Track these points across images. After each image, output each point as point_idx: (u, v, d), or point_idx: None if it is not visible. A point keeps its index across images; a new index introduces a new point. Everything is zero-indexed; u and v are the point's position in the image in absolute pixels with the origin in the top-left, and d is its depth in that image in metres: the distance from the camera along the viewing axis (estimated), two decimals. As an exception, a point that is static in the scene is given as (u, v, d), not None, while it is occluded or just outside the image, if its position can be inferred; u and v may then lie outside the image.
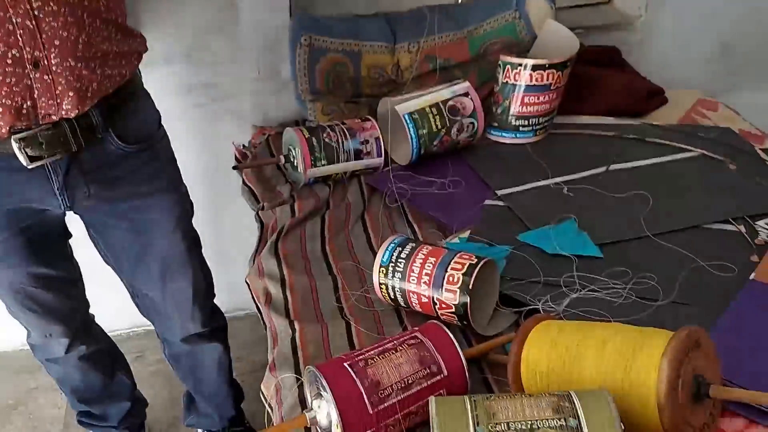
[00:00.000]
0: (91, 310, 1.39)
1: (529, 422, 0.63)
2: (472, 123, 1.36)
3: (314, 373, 0.80)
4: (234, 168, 1.37)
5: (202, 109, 1.56)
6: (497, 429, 0.63)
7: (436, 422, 0.65)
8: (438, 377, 0.81)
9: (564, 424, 0.62)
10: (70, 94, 0.94)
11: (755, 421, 0.75)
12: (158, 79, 1.41)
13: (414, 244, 1.00)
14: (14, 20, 0.85)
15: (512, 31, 1.53)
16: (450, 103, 1.35)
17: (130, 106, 1.07)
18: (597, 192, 1.23)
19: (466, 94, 1.37)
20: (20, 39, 0.86)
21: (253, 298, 1.16)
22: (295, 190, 1.35)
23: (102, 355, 1.42)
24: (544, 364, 0.77)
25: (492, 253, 1.04)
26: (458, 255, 0.96)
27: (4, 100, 0.90)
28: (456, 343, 0.84)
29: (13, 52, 0.86)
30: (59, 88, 0.93)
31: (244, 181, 1.41)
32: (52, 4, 0.87)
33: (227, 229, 1.78)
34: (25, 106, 0.92)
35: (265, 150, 1.50)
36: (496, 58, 1.42)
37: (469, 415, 0.65)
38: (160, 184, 1.16)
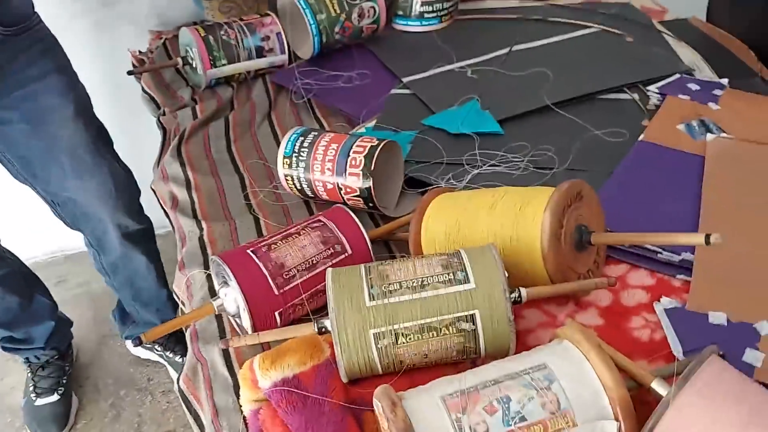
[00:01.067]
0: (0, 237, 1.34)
1: (420, 279, 0.65)
2: (373, 7, 1.33)
3: (217, 262, 0.80)
4: (129, 73, 1.30)
5: (93, 14, 1.46)
6: (390, 288, 0.65)
7: (331, 290, 0.67)
8: (342, 256, 0.82)
9: (452, 277, 0.65)
10: None
11: (636, 265, 0.80)
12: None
13: (316, 133, 0.99)
14: None
15: None
16: None
17: None
18: (500, 73, 1.24)
19: None
20: None
21: (160, 204, 1.13)
22: (197, 94, 1.30)
23: (15, 278, 1.38)
24: (441, 232, 0.80)
25: (397, 139, 1.04)
26: (360, 139, 0.95)
27: None
28: (359, 223, 0.85)
29: None
30: None
31: (143, 89, 1.35)
32: None
33: (136, 138, 1.71)
34: None
35: (163, 54, 1.43)
36: (397, -57, 1.37)
37: (364, 279, 0.67)
38: (46, 66, 1.10)
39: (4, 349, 1.52)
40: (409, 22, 1.42)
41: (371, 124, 1.14)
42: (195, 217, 1.02)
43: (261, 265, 0.79)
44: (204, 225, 1.00)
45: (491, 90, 1.18)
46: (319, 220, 0.86)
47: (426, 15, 1.41)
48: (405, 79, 1.24)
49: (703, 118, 1.01)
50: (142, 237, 1.40)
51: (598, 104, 1.15)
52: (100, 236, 1.38)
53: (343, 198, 0.96)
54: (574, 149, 1.02)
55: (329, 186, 0.96)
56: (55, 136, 1.13)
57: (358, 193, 0.94)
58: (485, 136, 1.07)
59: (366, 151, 0.93)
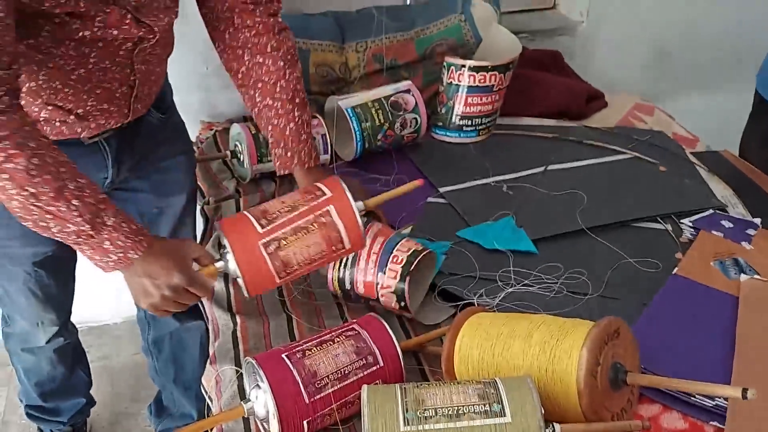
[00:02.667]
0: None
1: (456, 408, 0.66)
2: (415, 119, 1.39)
3: (252, 364, 0.81)
4: (180, 163, 1.36)
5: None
6: (425, 414, 0.66)
7: (367, 409, 0.67)
8: (374, 368, 0.83)
9: (488, 409, 0.65)
10: (138, 107, 1.04)
11: (669, 407, 0.80)
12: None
13: (366, 219, 1.02)
14: (135, 66, 0.96)
15: (458, 33, 1.56)
16: (392, 98, 1.38)
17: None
18: (535, 190, 1.28)
19: (408, 91, 1.40)
20: (134, 79, 0.98)
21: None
22: (241, 186, 1.35)
23: (70, 349, 1.40)
24: (475, 354, 0.80)
25: (432, 248, 1.07)
26: (405, 239, 0.99)
27: (101, 121, 0.99)
28: (392, 335, 0.86)
29: (123, 89, 0.98)
30: (138, 105, 1.04)
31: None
32: (158, 48, 0.98)
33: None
34: (109, 123, 1.02)
35: (212, 145, 1.50)
36: (442, 60, 1.45)
37: (399, 402, 0.67)
38: (181, 146, 1.21)
39: (29, 416, 1.50)
40: (448, 133, 1.48)
41: (407, 230, 1.17)
42: (230, 310, 1.04)
43: (295, 371, 0.80)
44: (238, 320, 1.02)
45: (526, 207, 1.21)
46: (354, 329, 0.87)
47: (465, 128, 1.46)
48: (442, 189, 1.28)
49: (737, 257, 1.02)
50: (197, 308, 1.41)
51: (632, 231, 1.17)
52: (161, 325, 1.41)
53: (377, 293, 0.98)
54: (608, 276, 1.03)
55: (368, 278, 0.98)
56: (169, 205, 1.22)
57: (393, 290, 0.96)
58: (519, 254, 1.09)
59: (409, 252, 0.96)
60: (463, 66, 1.39)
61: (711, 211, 1.17)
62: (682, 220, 1.15)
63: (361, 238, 0.90)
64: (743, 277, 0.97)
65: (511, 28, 1.60)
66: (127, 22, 0.89)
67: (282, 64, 1.03)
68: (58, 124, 0.97)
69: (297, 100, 1.05)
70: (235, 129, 1.35)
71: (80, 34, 0.86)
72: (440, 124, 1.48)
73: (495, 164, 1.37)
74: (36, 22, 0.83)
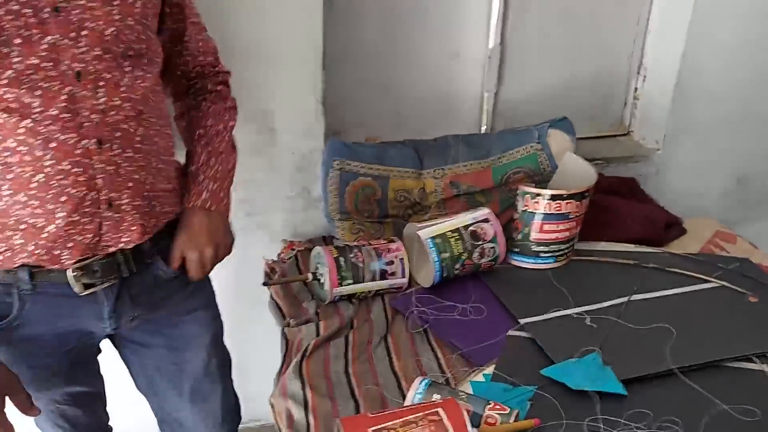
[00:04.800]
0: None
1: None
2: (493, 248, 1.41)
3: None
4: (264, 284, 1.41)
5: (236, 222, 1.63)
6: None
7: None
8: None
9: None
10: (133, 228, 1.01)
11: None
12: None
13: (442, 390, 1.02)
14: (96, 166, 0.93)
15: (534, 161, 1.60)
16: (471, 228, 1.40)
17: (174, 233, 1.12)
18: (620, 323, 1.24)
19: (486, 220, 1.42)
20: (99, 182, 0.94)
21: (275, 419, 1.16)
22: (320, 307, 1.38)
23: None
24: None
25: (516, 395, 1.05)
26: (489, 407, 0.98)
27: (77, 237, 0.96)
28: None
29: (92, 194, 0.94)
30: (125, 224, 0.99)
31: (271, 296, 1.45)
32: (129, 151, 0.96)
33: (248, 341, 1.80)
34: (93, 241, 0.98)
35: (294, 265, 1.55)
36: (518, 186, 1.48)
37: None
38: (198, 303, 1.20)
39: None
40: (525, 259, 1.48)
41: (489, 371, 1.15)
42: (310, 440, 1.04)
43: None
44: (319, 450, 1.01)
45: (612, 343, 1.18)
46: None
47: (542, 254, 1.47)
48: (522, 321, 1.27)
49: None
50: None
51: (725, 372, 1.12)
52: None
53: None
54: (702, 425, 0.98)
55: None
56: (187, 362, 1.21)
57: None
58: (606, 396, 1.05)
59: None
60: (539, 194, 1.42)
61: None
62: (781, 364, 1.10)
63: None
64: None
65: (585, 155, 1.63)
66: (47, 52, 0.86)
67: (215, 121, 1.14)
68: (32, 247, 0.94)
69: (211, 147, 1.13)
70: (317, 251, 1.40)
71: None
72: (517, 249, 1.49)
73: (575, 293, 1.35)
74: None
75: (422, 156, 1.60)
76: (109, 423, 1.38)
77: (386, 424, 0.89)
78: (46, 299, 1.02)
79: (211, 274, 1.73)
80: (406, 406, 0.96)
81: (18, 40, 0.84)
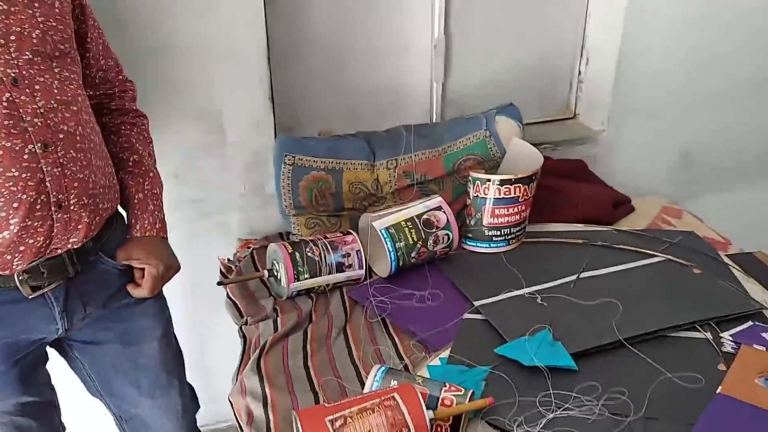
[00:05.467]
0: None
1: None
2: (447, 234, 1.43)
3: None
4: (219, 284, 1.41)
5: (190, 224, 1.62)
6: None
7: None
8: None
9: None
10: (80, 228, 1.01)
11: None
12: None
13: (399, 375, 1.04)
14: (44, 169, 0.93)
15: (483, 148, 1.63)
16: (424, 216, 1.42)
17: (113, 227, 1.14)
18: (569, 300, 1.28)
19: (439, 208, 1.44)
20: (49, 185, 0.94)
21: (235, 416, 1.16)
22: (278, 303, 1.38)
23: None
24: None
25: (471, 376, 1.08)
26: (444, 389, 1.01)
27: (28, 241, 0.96)
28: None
29: (42, 197, 0.94)
30: (73, 224, 0.99)
31: (228, 295, 1.45)
32: (72, 151, 0.97)
33: (209, 341, 1.80)
34: (44, 244, 0.98)
35: (250, 263, 1.55)
36: (468, 173, 1.50)
37: None
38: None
39: None
40: (479, 244, 1.51)
41: (445, 354, 1.17)
42: (270, 436, 1.05)
43: None
44: (279, 447, 1.02)
45: (562, 319, 1.21)
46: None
47: (494, 238, 1.49)
48: (477, 303, 1.30)
49: (782, 371, 1.00)
50: None
51: (670, 342, 1.16)
52: None
53: None
54: (649, 394, 1.01)
55: None
56: (141, 354, 1.21)
57: None
58: (557, 371, 1.08)
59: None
60: (488, 180, 1.44)
61: (751, 323, 1.15)
62: (722, 334, 1.14)
63: (426, 426, 0.92)
64: (791, 393, 0.95)
65: (533, 139, 1.66)
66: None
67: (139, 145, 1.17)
68: None
69: (151, 174, 1.18)
70: (273, 248, 1.40)
71: None
72: (470, 235, 1.52)
73: (527, 274, 1.38)
74: None
75: (374, 148, 1.61)
76: None
77: (343, 413, 0.91)
78: None
79: (184, 272, 1.71)
80: (363, 394, 0.97)
81: None
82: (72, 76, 0.99)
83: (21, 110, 0.90)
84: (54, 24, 0.95)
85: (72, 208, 0.99)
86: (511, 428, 0.97)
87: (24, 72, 0.91)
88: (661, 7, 1.79)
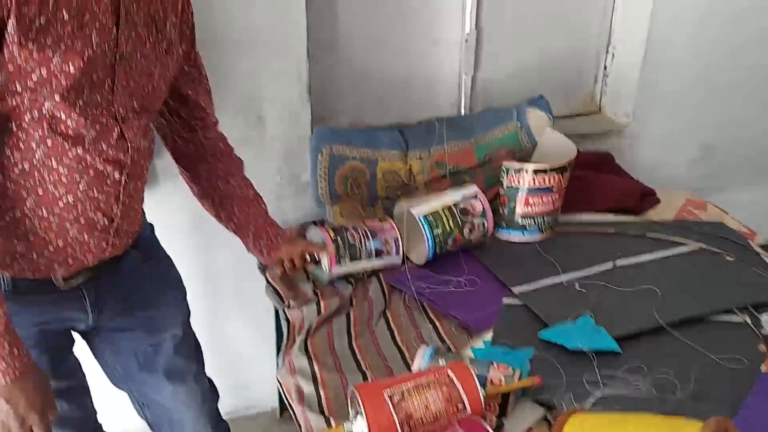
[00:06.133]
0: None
1: None
2: (483, 223, 1.46)
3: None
4: (259, 268, 1.43)
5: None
6: None
7: None
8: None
9: None
10: (117, 243, 1.06)
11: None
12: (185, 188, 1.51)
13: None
14: (121, 198, 1.00)
15: (515, 139, 1.66)
16: (461, 205, 1.45)
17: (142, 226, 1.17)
18: (607, 287, 1.31)
19: (475, 197, 1.47)
20: (117, 212, 1.01)
21: (284, 396, 1.19)
22: (319, 288, 1.41)
23: None
24: (581, 456, 0.82)
25: (516, 357, 1.10)
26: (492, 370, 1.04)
27: (79, 256, 1.01)
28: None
29: (105, 220, 1.00)
30: (117, 241, 1.05)
31: (267, 281, 1.48)
32: (139, 184, 1.04)
33: (234, 329, 1.82)
34: (93, 262, 1.04)
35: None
36: (501, 164, 1.53)
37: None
38: (168, 283, 1.25)
39: None
40: (512, 232, 1.54)
41: (488, 337, 1.20)
42: (322, 413, 1.07)
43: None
44: (333, 423, 1.04)
45: (602, 306, 1.24)
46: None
47: (528, 227, 1.52)
48: (515, 290, 1.32)
49: (824, 351, 1.03)
50: None
51: (710, 326, 1.19)
52: None
53: None
54: (694, 374, 1.04)
55: None
56: (162, 342, 1.24)
57: None
58: (602, 355, 1.11)
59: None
60: (521, 169, 1.47)
61: (788, 305, 1.18)
62: (761, 316, 1.17)
63: (481, 402, 0.95)
64: (834, 372, 0.98)
65: (561, 131, 1.69)
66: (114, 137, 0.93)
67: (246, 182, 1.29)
68: (35, 256, 0.98)
69: (259, 196, 1.31)
70: (314, 232, 1.43)
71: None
72: (504, 224, 1.55)
73: (562, 262, 1.41)
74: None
75: (408, 139, 1.64)
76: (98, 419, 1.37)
77: (400, 387, 0.94)
78: (28, 296, 1.03)
79: (205, 266, 1.74)
80: (417, 372, 1.00)
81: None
82: (149, 123, 1.05)
83: (124, 143, 0.96)
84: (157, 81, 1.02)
85: (122, 234, 1.05)
86: (560, 405, 0.99)
87: (130, 114, 0.97)
88: (686, 0, 1.81)
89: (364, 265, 1.41)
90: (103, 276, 1.09)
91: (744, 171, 2.10)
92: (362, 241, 1.40)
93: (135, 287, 1.16)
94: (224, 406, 1.91)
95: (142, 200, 1.10)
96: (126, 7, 0.89)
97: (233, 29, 1.46)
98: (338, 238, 1.38)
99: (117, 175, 0.97)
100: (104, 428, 1.36)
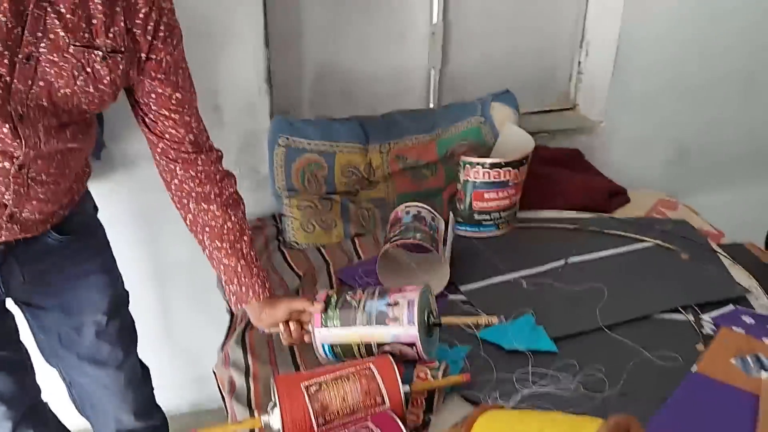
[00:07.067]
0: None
1: None
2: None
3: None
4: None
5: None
6: None
7: None
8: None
9: None
10: (15, 228, 1.03)
11: None
12: (142, 176, 1.50)
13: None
14: (12, 188, 0.97)
15: (478, 134, 1.63)
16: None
17: (73, 209, 1.15)
18: (555, 286, 1.28)
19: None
20: (9, 200, 0.98)
21: (219, 387, 1.18)
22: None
23: None
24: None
25: (452, 355, 1.08)
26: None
27: None
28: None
29: None
30: (15, 228, 1.03)
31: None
32: (44, 175, 1.00)
33: (201, 322, 1.82)
34: None
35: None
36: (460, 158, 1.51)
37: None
38: (92, 267, 1.22)
39: None
40: (468, 228, 1.51)
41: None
42: (249, 406, 1.06)
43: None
44: (257, 415, 1.03)
45: (546, 304, 1.22)
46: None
47: (484, 222, 1.50)
48: (462, 288, 1.30)
49: (758, 353, 1.00)
50: None
51: (653, 323, 1.17)
52: (100, 429, 1.41)
53: None
54: (626, 372, 1.02)
55: None
56: (83, 324, 1.23)
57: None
58: (538, 353, 1.09)
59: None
60: (478, 164, 1.45)
61: (732, 307, 1.15)
62: (701, 317, 1.14)
63: (400, 396, 0.94)
64: (764, 374, 0.95)
65: (531, 128, 1.66)
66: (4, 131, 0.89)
67: (225, 208, 1.11)
68: None
69: (245, 238, 1.13)
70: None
71: None
72: (460, 219, 1.52)
73: (516, 259, 1.39)
74: None
75: (368, 131, 1.62)
76: (44, 398, 1.37)
77: (318, 379, 0.92)
78: None
79: (158, 257, 1.72)
80: (340, 364, 0.99)
81: None
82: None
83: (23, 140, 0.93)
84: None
85: (22, 219, 1.02)
86: (485, 401, 0.98)
87: None
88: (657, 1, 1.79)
89: (358, 332, 1.03)
90: (14, 253, 1.08)
91: (717, 173, 2.06)
92: (362, 301, 1.07)
93: (52, 268, 1.15)
94: (187, 400, 1.92)
95: (58, 193, 1.06)
96: (35, 11, 0.85)
97: (188, 17, 1.44)
98: (335, 295, 1.09)
99: (7, 165, 0.94)
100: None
